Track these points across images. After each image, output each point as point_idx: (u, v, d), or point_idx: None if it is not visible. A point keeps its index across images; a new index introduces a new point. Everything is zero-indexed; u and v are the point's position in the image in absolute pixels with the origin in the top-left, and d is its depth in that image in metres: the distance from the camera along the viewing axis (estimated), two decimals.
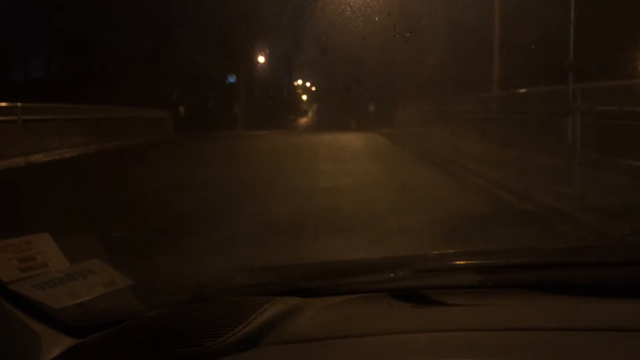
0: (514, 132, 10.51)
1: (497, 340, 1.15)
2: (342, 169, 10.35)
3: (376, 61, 25.37)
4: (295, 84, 45.50)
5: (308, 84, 45.57)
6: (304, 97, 47.21)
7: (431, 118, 18.77)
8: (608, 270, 1.49)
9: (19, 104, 14.35)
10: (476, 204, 7.01)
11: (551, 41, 10.33)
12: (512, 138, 10.37)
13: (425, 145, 14.75)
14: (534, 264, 1.58)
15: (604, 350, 1.09)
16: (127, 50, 30.00)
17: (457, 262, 1.64)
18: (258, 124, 28.89)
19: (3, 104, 14.01)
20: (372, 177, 9.38)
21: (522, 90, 11.54)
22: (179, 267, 3.94)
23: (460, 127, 14.63)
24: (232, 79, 35.00)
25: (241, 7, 30.34)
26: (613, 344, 1.11)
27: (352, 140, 19.03)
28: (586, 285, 1.40)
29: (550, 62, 10.07)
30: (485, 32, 14.23)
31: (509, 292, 1.42)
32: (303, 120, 41.08)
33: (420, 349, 1.14)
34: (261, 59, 35.48)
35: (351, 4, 12.79)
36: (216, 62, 31.76)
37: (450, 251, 2.03)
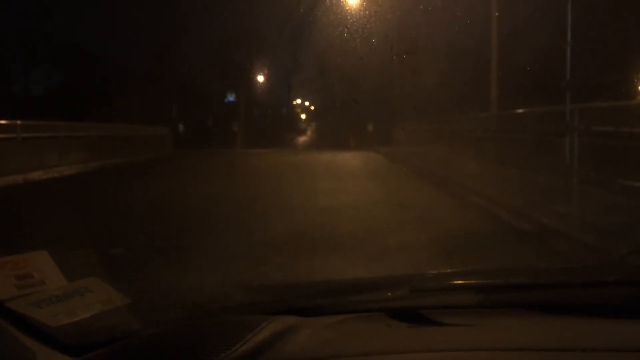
0: (512, 151, 10.56)
1: None
2: (341, 187, 10.36)
3: (374, 81, 25.59)
4: (294, 102, 45.77)
5: (307, 103, 45.86)
6: (303, 116, 47.44)
7: (430, 137, 18.85)
8: (607, 290, 1.49)
9: (18, 122, 14.38)
10: (474, 222, 7.01)
11: (549, 62, 10.43)
12: (510, 157, 10.42)
13: (423, 164, 14.78)
14: (533, 284, 1.58)
15: None
16: (127, 67, 30.16)
17: (455, 282, 1.64)
18: (257, 142, 28.97)
19: (2, 122, 14.04)
20: (371, 195, 9.38)
21: (520, 110, 11.61)
22: (177, 284, 3.92)
23: (458, 146, 14.69)
24: (231, 97, 35.21)
25: (241, 27, 30.63)
26: None
27: (350, 159, 19.07)
28: (585, 305, 1.40)
29: (548, 82, 10.16)
30: (483, 52, 14.37)
31: (507, 312, 1.41)
32: (302, 139, 41.18)
33: None
34: (260, 78, 35.74)
35: (349, 26, 12.95)
36: (216, 81, 31.99)
37: (449, 270, 2.03)
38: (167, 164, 19.65)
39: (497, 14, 13.36)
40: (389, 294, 1.49)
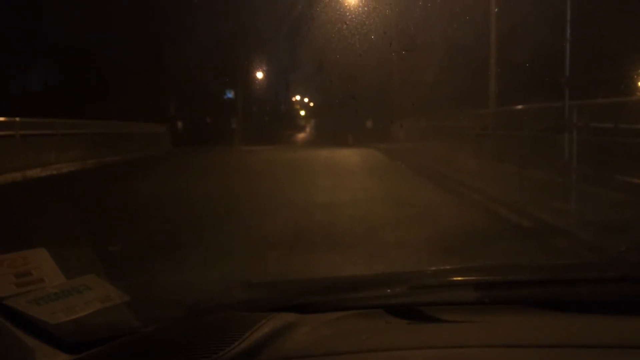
0: (511, 148, 10.55)
1: (494, 357, 1.14)
2: (340, 184, 10.36)
3: (373, 78, 25.58)
4: (293, 99, 45.80)
5: (306, 100, 45.90)
6: (302, 113, 47.48)
7: (428, 134, 18.86)
8: (605, 287, 1.49)
9: (17, 119, 14.36)
10: (473, 219, 7.01)
11: (547, 58, 10.42)
12: (509, 154, 10.41)
13: (422, 161, 14.79)
14: (531, 280, 1.58)
15: None
16: (125, 64, 30.11)
17: (454, 279, 1.64)
18: (256, 139, 28.95)
19: (1, 119, 14.01)
20: (369, 192, 9.39)
21: (519, 107, 11.60)
22: (176, 281, 3.92)
23: (456, 142, 14.69)
24: (230, 94, 35.17)
25: (239, 24, 30.58)
26: None
27: (349, 156, 19.07)
28: (584, 302, 1.40)
29: (547, 78, 10.16)
30: (481, 49, 14.36)
31: (505, 309, 1.41)
32: (301, 136, 41.17)
33: None
34: (259, 75, 35.70)
35: (347, 22, 12.93)
36: (214, 78, 31.93)
37: (447, 267, 2.03)
38: (165, 162, 19.63)
39: (496, 10, 13.35)
40: (388, 290, 1.49)
